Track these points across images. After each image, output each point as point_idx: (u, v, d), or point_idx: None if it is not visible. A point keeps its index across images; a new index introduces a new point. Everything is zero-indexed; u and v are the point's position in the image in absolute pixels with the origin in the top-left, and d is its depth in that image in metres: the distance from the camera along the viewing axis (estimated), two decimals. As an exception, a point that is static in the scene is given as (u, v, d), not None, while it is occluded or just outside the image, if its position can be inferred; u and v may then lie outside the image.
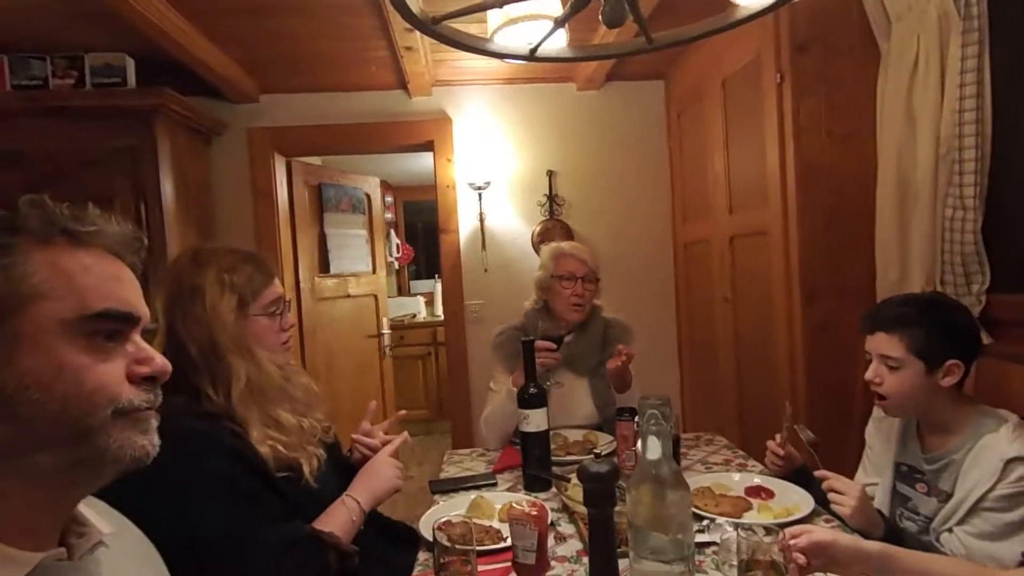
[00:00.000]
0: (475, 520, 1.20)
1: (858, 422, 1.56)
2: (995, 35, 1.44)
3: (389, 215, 5.16)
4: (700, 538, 1.12)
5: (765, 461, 1.44)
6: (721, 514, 1.22)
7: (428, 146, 2.98)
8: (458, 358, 3.01)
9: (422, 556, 1.17)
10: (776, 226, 1.93)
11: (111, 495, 0.70)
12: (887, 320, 1.22)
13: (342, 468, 1.31)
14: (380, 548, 1.21)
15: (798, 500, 1.28)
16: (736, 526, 1.04)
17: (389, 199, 5.20)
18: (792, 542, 0.93)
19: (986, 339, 1.41)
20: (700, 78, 2.53)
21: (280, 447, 1.06)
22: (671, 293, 3.06)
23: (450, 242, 2.99)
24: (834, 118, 1.82)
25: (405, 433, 1.37)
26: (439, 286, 4.09)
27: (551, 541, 1.17)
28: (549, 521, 1.19)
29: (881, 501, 1.30)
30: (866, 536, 1.11)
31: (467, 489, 1.47)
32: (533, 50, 0.99)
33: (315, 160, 3.44)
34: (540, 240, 2.93)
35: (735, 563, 0.95)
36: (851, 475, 1.38)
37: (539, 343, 1.62)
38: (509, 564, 1.04)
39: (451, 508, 1.33)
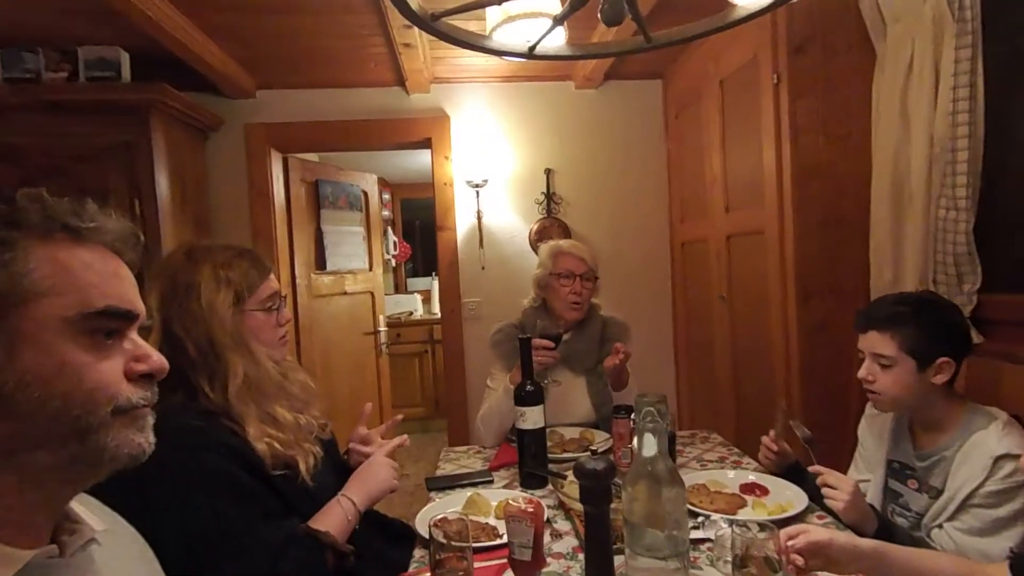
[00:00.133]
0: (471, 517, 1.20)
1: (852, 420, 1.58)
2: (988, 38, 1.45)
3: (386, 212, 5.15)
4: (695, 534, 1.13)
5: (759, 456, 1.45)
6: (716, 511, 1.23)
7: (426, 143, 2.97)
8: (455, 356, 3.02)
9: (418, 553, 1.17)
10: (772, 226, 1.94)
11: (108, 493, 0.70)
12: (880, 319, 1.23)
13: (339, 466, 1.31)
14: (376, 545, 1.22)
15: (792, 497, 1.29)
16: (731, 522, 1.04)
17: (386, 196, 5.20)
18: (790, 543, 0.94)
19: (977, 338, 1.42)
20: (698, 78, 2.53)
21: (277, 444, 1.06)
22: (668, 292, 3.07)
23: (447, 240, 2.99)
24: (830, 119, 1.83)
25: (404, 436, 1.37)
26: (436, 284, 4.09)
27: (547, 538, 1.17)
28: (545, 518, 1.19)
29: (873, 497, 1.32)
30: (859, 531, 1.12)
31: (463, 486, 1.47)
32: (532, 48, 1.00)
33: (312, 157, 3.44)
34: (537, 238, 2.93)
35: (729, 559, 0.96)
36: (845, 472, 1.39)
37: (537, 341, 1.62)
38: (505, 561, 1.04)
39: (447, 505, 1.33)
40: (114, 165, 2.22)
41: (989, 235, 1.53)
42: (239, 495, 1.00)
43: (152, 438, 0.62)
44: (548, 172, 2.99)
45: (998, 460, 1.10)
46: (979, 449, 1.13)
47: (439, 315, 3.22)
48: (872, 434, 1.40)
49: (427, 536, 1.02)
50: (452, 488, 1.48)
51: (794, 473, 1.38)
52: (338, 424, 1.36)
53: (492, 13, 0.99)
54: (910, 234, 1.62)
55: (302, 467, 1.09)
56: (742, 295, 2.27)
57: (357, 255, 3.39)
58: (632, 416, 1.41)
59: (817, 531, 0.96)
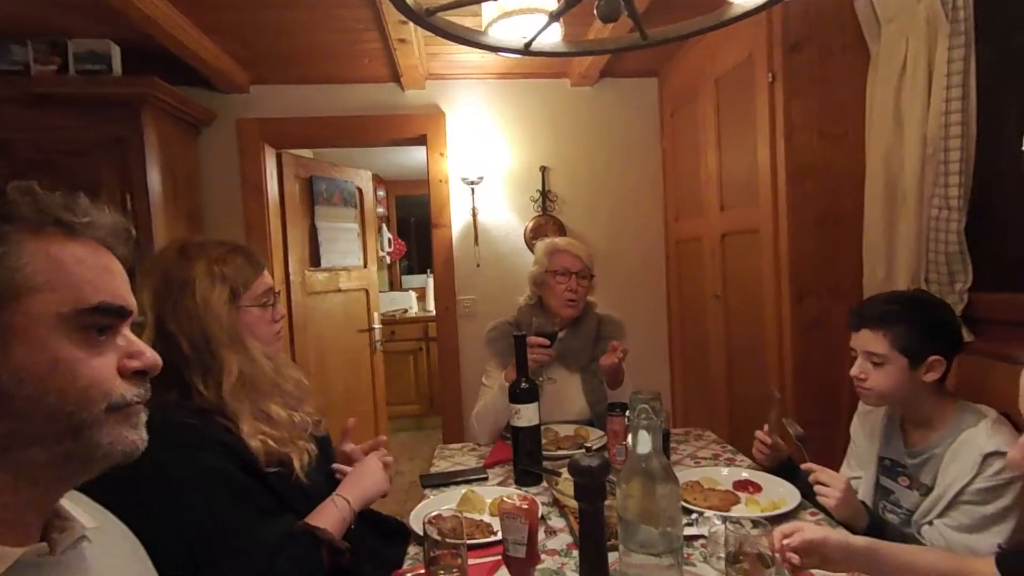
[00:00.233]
0: (466, 514, 1.20)
1: (845, 418, 1.59)
2: (981, 38, 1.46)
3: (381, 209, 5.14)
4: (689, 531, 1.13)
5: (752, 451, 1.45)
6: (709, 508, 1.23)
7: (421, 140, 2.96)
8: (449, 353, 3.01)
9: (412, 550, 1.18)
10: (767, 225, 1.95)
11: (100, 491, 0.70)
12: (872, 317, 1.24)
13: (332, 463, 1.31)
14: (371, 543, 1.21)
15: (784, 494, 1.30)
16: (724, 519, 1.05)
17: (381, 193, 5.18)
18: (785, 542, 0.94)
19: (968, 336, 1.43)
20: (693, 76, 2.53)
21: (271, 442, 1.06)
22: (663, 290, 3.07)
23: (442, 237, 2.98)
24: (825, 118, 1.84)
25: (383, 438, 1.38)
26: (431, 281, 4.08)
27: (542, 535, 1.17)
28: (540, 515, 1.19)
29: (864, 494, 1.33)
30: (850, 527, 1.13)
31: (458, 483, 1.47)
32: (528, 44, 0.99)
33: (306, 153, 3.42)
34: (533, 236, 2.93)
35: (723, 555, 0.96)
36: (837, 469, 1.40)
37: (532, 339, 1.62)
38: (500, 557, 1.05)
39: (442, 502, 1.33)
40: (105, 159, 2.20)
41: (980, 235, 1.54)
42: (235, 493, 0.99)
43: (145, 435, 0.62)
44: (544, 169, 2.99)
45: (987, 457, 1.11)
46: (969, 446, 1.14)
47: (434, 312, 3.21)
48: (864, 432, 1.42)
49: (421, 533, 1.02)
50: (447, 485, 1.48)
51: (787, 470, 1.39)
52: (332, 422, 1.35)
53: (488, 9, 0.99)
54: (903, 233, 1.63)
55: (296, 464, 1.08)
56: (736, 293, 2.27)
57: (352, 252, 3.38)
58: (627, 413, 1.41)
59: (812, 530, 0.97)
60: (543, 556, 1.10)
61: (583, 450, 1.57)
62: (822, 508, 1.22)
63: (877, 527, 1.14)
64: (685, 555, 1.05)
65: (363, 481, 1.21)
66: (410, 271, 5.63)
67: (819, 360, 1.84)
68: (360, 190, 3.48)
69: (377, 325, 3.48)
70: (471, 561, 1.04)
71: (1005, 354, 1.36)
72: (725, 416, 2.39)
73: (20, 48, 2.17)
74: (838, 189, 1.84)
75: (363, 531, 1.19)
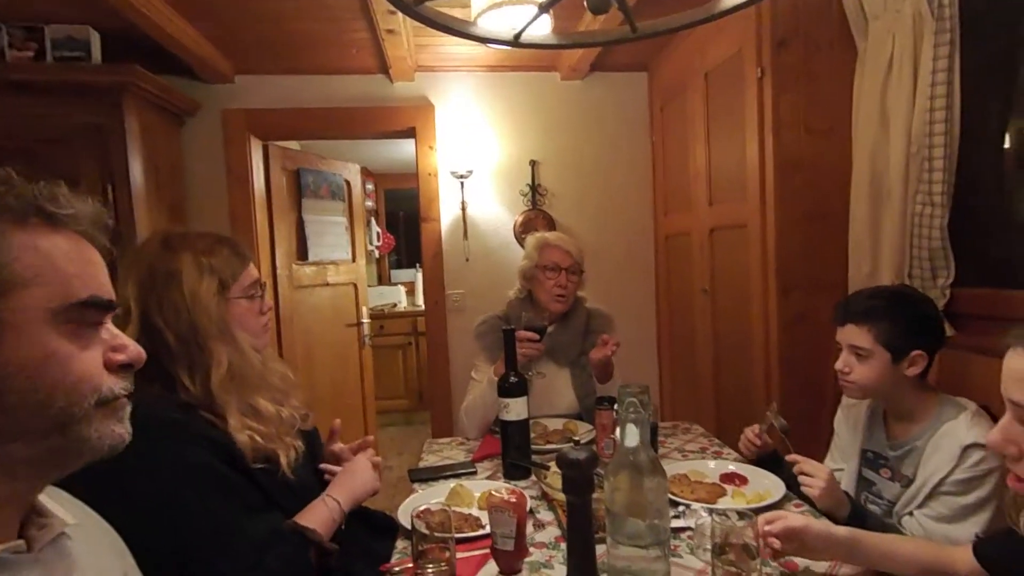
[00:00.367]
0: (454, 508, 1.20)
1: (829, 411, 1.61)
2: (966, 37, 1.48)
3: (370, 203, 5.10)
4: (676, 523, 1.14)
5: (739, 445, 1.47)
6: (696, 500, 1.24)
7: (410, 133, 2.94)
8: (439, 348, 3.00)
9: (400, 544, 1.17)
10: (754, 220, 1.96)
11: (83, 487, 0.69)
12: (856, 312, 1.26)
13: (319, 458, 1.30)
14: (359, 537, 1.21)
15: (770, 486, 1.31)
16: (711, 511, 1.06)
17: (370, 186, 5.14)
18: (767, 528, 0.96)
19: (949, 331, 1.45)
20: (683, 71, 2.54)
21: (258, 437, 1.05)
22: (652, 284, 3.09)
23: (431, 231, 2.96)
24: (812, 114, 1.85)
25: (370, 438, 1.38)
26: (420, 275, 4.07)
27: (530, 528, 1.18)
28: (528, 508, 1.19)
29: (847, 486, 1.34)
30: (833, 517, 1.14)
31: (447, 478, 1.47)
32: (517, 35, 0.99)
33: (293, 145, 3.38)
34: (522, 230, 2.93)
35: (709, 547, 0.97)
36: (821, 461, 1.42)
37: (521, 333, 1.62)
38: (488, 551, 1.05)
39: (430, 497, 1.33)
40: (85, 149, 2.15)
41: (962, 231, 1.56)
42: (221, 488, 0.98)
43: (130, 428, 0.62)
44: (533, 163, 2.98)
45: (966, 449, 1.13)
46: (949, 439, 1.16)
47: (423, 307, 3.20)
48: (847, 425, 1.43)
49: (410, 527, 1.01)
50: (435, 480, 1.47)
51: (771, 462, 1.41)
52: (320, 417, 1.34)
53: (477, -1, 0.98)
54: (887, 229, 1.65)
55: (283, 461, 1.07)
56: (724, 288, 2.29)
57: (340, 246, 3.35)
58: (615, 407, 1.42)
59: (794, 517, 0.99)
60: (531, 549, 1.10)
61: (571, 444, 1.59)
62: (806, 500, 1.24)
63: (859, 517, 1.16)
64: (672, 547, 1.06)
65: (353, 481, 1.20)
66: (399, 265, 5.60)
67: (804, 354, 1.86)
68: (348, 183, 3.45)
69: (366, 319, 3.46)
70: (459, 554, 1.04)
71: (985, 348, 1.39)
72: (712, 409, 2.41)
73: (-6, 33, 2.11)
74: (824, 185, 1.85)
75: (352, 526, 1.18)
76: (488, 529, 1.06)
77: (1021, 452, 0.73)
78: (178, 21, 2.15)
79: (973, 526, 1.11)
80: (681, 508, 1.21)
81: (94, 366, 0.58)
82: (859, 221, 1.74)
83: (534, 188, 2.98)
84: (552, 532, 1.19)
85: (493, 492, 1.05)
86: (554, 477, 1.24)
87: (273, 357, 1.25)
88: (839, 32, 1.80)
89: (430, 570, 0.97)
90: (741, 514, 0.95)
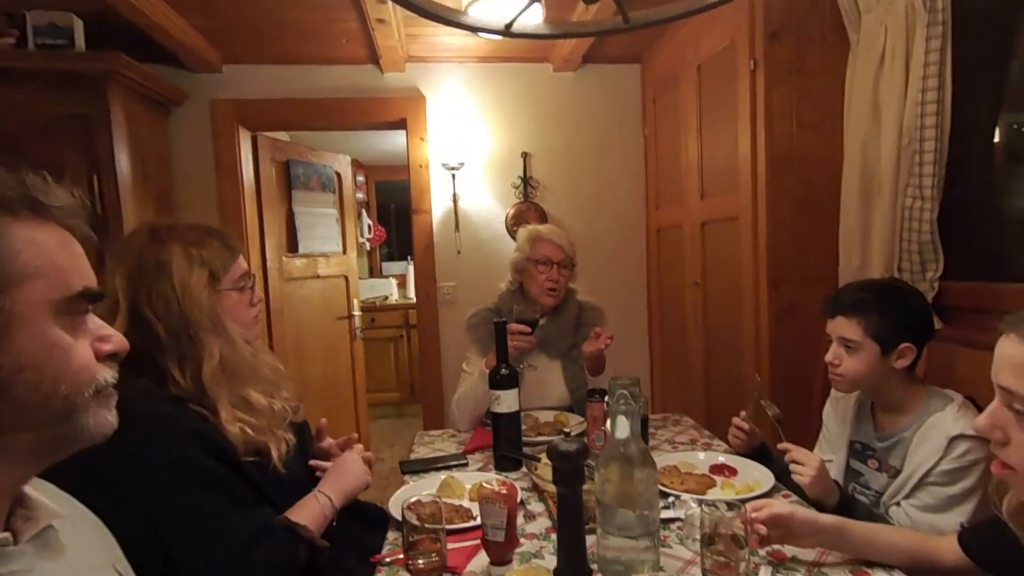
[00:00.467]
0: (445, 499, 1.20)
1: (818, 403, 1.62)
2: (957, 30, 1.48)
3: (360, 195, 5.06)
4: (666, 514, 1.15)
5: (728, 436, 1.48)
6: (686, 491, 1.25)
7: (401, 124, 2.92)
8: (430, 340, 3.00)
9: (391, 536, 1.17)
10: (746, 213, 1.96)
11: (69, 479, 0.69)
12: (846, 305, 1.27)
13: (309, 451, 1.29)
14: (350, 529, 1.21)
15: (759, 477, 1.32)
16: (700, 502, 1.06)
17: (361, 178, 5.10)
18: (754, 515, 0.97)
19: (937, 323, 1.47)
20: (676, 63, 2.53)
21: (249, 430, 1.04)
22: (643, 277, 3.09)
23: (423, 223, 2.95)
24: (804, 107, 1.85)
25: (354, 435, 1.36)
26: (411, 268, 4.05)
27: (521, 519, 1.18)
28: (519, 500, 1.20)
29: (835, 477, 1.35)
30: (822, 505, 1.16)
31: (438, 469, 1.47)
32: (508, 25, 0.97)
33: (283, 136, 3.34)
34: (514, 223, 2.92)
35: (698, 537, 0.98)
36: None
37: (513, 326, 1.62)
38: (479, 542, 1.05)
39: (422, 488, 1.33)
40: (69, 138, 2.12)
41: (952, 224, 1.57)
42: (208, 482, 0.97)
43: (116, 416, 0.63)
44: (525, 155, 2.97)
45: (953, 440, 1.14)
46: (936, 430, 1.18)
47: (414, 299, 3.18)
48: (836, 416, 1.45)
49: (400, 519, 1.01)
50: (426, 471, 1.47)
51: (760, 454, 1.42)
52: (311, 409, 1.33)
53: (468, -13, 0.97)
54: (878, 222, 1.66)
55: (274, 454, 1.06)
56: (715, 281, 2.30)
57: (330, 238, 3.33)
58: (606, 399, 1.42)
59: (781, 505, 1.00)
60: (522, 540, 1.11)
61: (562, 436, 1.59)
62: (795, 490, 1.25)
63: (848, 506, 1.17)
64: (662, 537, 1.07)
65: (344, 477, 1.20)
66: (390, 258, 5.58)
67: (794, 347, 1.87)
68: (339, 175, 3.42)
69: (357, 312, 3.45)
70: (450, 546, 1.04)
71: (973, 341, 1.40)
72: (702, 401, 2.42)
73: (-28, 19, 2.06)
74: (815, 178, 1.86)
75: (343, 518, 1.18)
76: (479, 520, 1.06)
77: (1007, 437, 0.74)
78: (163, 8, 2.11)
79: (959, 516, 1.12)
80: (671, 499, 1.22)
81: (89, 356, 0.59)
82: (850, 214, 1.75)
83: (526, 180, 2.97)
84: (543, 523, 1.19)
85: (484, 484, 1.05)
86: (545, 469, 1.25)
87: (263, 349, 1.24)
88: (832, 25, 1.80)
89: (420, 561, 0.97)
90: (730, 505, 0.95)
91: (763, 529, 0.97)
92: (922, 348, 1.26)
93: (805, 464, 1.17)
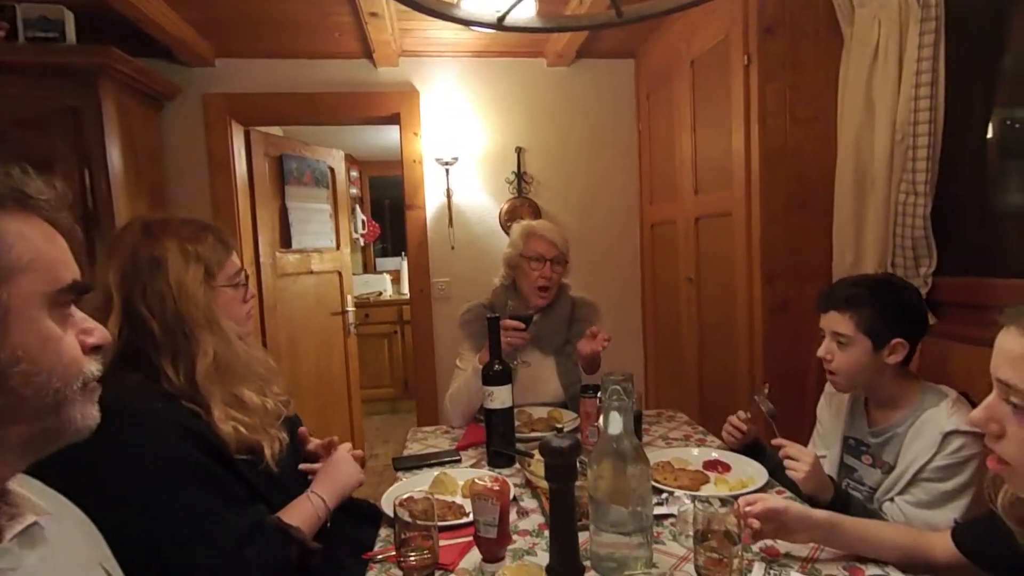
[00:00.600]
0: (438, 496, 1.20)
1: (811, 399, 1.62)
2: (951, 26, 1.48)
3: (354, 190, 5.04)
4: (659, 510, 1.15)
5: (722, 434, 1.48)
6: (680, 487, 1.25)
7: (394, 119, 2.90)
8: (424, 336, 2.99)
9: (384, 532, 1.17)
10: (740, 208, 1.96)
11: (56, 476, 0.68)
12: (839, 300, 1.27)
13: (301, 448, 1.28)
14: (343, 526, 1.20)
15: (753, 473, 1.32)
16: (693, 498, 1.06)
17: (354, 173, 5.08)
18: (747, 509, 0.97)
19: (930, 319, 1.47)
20: (670, 58, 2.52)
21: (242, 428, 1.03)
22: (637, 273, 3.09)
23: (416, 218, 2.94)
24: (798, 102, 1.85)
25: (335, 437, 1.33)
26: (406, 263, 4.04)
27: (514, 516, 1.18)
28: (512, 496, 1.19)
29: (829, 472, 1.35)
30: (816, 500, 1.16)
31: (431, 466, 1.47)
32: (501, 18, 0.97)
33: (276, 130, 3.32)
34: (508, 218, 2.91)
35: (691, 533, 0.98)
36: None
37: (507, 322, 1.62)
38: (471, 539, 1.05)
39: (414, 485, 1.32)
40: (60, 132, 2.09)
41: (945, 220, 1.58)
42: (200, 480, 0.96)
43: (99, 410, 0.63)
44: (519, 151, 2.96)
45: (947, 436, 1.14)
46: (929, 426, 1.18)
47: (408, 295, 3.18)
48: (830, 412, 1.45)
49: (393, 515, 1.01)
50: (420, 468, 1.47)
51: (753, 450, 1.42)
52: (306, 406, 1.32)
53: (460, -20, 0.96)
54: (871, 217, 1.66)
55: (267, 452, 1.06)
56: (709, 277, 2.30)
57: (324, 233, 3.31)
58: (599, 395, 1.42)
59: (774, 499, 1.00)
60: (515, 536, 1.10)
61: (555, 432, 1.59)
62: (789, 486, 1.25)
63: (842, 500, 1.17)
64: (655, 534, 1.07)
65: (339, 476, 1.19)
66: (384, 254, 5.56)
67: (787, 342, 1.88)
68: (332, 170, 3.40)
69: (351, 308, 3.43)
70: (443, 542, 1.04)
71: (966, 336, 1.41)
72: (696, 397, 2.43)
73: (-37, 12, 2.03)
74: (809, 174, 1.86)
75: (336, 515, 1.18)
76: (472, 517, 1.05)
77: (1002, 431, 0.74)
78: (155, 2, 2.09)
79: (952, 512, 1.13)
80: (664, 495, 1.22)
81: (77, 348, 0.60)
82: (843, 210, 1.75)
83: (520, 176, 2.96)
84: (536, 519, 1.19)
85: (476, 480, 1.05)
86: (538, 465, 1.24)
87: (255, 344, 1.23)
88: (825, 19, 1.80)
89: (413, 558, 0.97)
90: (724, 501, 0.95)
91: (756, 523, 0.97)
92: (915, 344, 1.26)
93: (799, 460, 1.17)
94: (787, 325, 1.88)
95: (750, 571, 0.96)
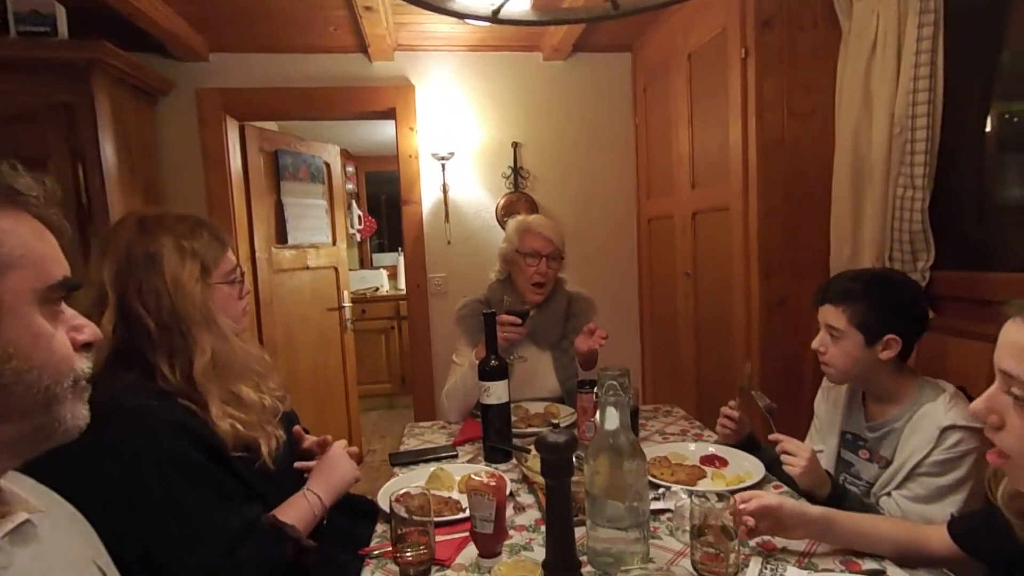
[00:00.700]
0: (434, 491, 1.19)
1: (808, 393, 1.62)
2: (950, 18, 1.47)
3: (351, 185, 5.02)
4: (656, 505, 1.14)
5: (716, 427, 1.48)
6: (676, 482, 1.25)
7: (390, 114, 2.88)
8: (420, 331, 2.99)
9: (380, 528, 1.16)
10: (737, 202, 1.96)
11: (49, 473, 0.68)
12: (835, 293, 1.27)
13: (296, 445, 1.28)
14: (338, 520, 1.20)
15: (750, 468, 1.32)
16: (690, 493, 1.06)
17: (350, 169, 5.06)
18: (742, 506, 0.96)
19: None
20: (666, 51, 2.51)
21: (239, 426, 1.02)
22: (634, 267, 3.09)
23: (412, 213, 2.93)
24: (796, 96, 1.84)
25: (328, 436, 1.33)
26: (402, 259, 4.03)
27: (510, 511, 1.17)
28: (508, 492, 1.19)
29: (826, 467, 1.36)
30: (813, 496, 1.16)
31: (427, 461, 1.47)
32: (496, 11, 0.96)
33: (271, 125, 3.30)
34: (504, 213, 2.90)
35: (688, 528, 0.98)
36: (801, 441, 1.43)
37: (503, 317, 1.61)
38: (467, 534, 1.04)
39: (411, 480, 1.32)
40: (53, 127, 2.07)
41: (943, 214, 1.57)
42: (193, 476, 0.96)
43: (89, 410, 0.63)
44: (515, 145, 2.94)
45: (945, 431, 1.14)
46: (927, 420, 1.18)
47: (405, 291, 3.17)
48: (827, 406, 1.45)
49: (389, 511, 1.00)
50: (416, 463, 1.46)
51: (748, 445, 1.42)
52: (302, 402, 1.32)
53: (455, -29, 0.95)
54: (869, 211, 1.66)
55: (264, 450, 1.05)
56: (706, 271, 2.29)
57: (320, 229, 3.30)
58: (595, 390, 1.42)
59: (769, 496, 1.00)
60: (511, 532, 1.10)
61: (551, 427, 1.59)
62: (786, 481, 1.25)
63: (839, 495, 1.17)
64: (652, 529, 1.07)
65: (335, 473, 1.18)
66: (381, 249, 5.54)
67: (785, 337, 1.88)
68: (328, 165, 3.39)
69: (347, 303, 3.43)
70: (439, 538, 1.04)
71: (964, 330, 1.40)
72: (693, 392, 2.43)
73: (-47, 5, 2.01)
74: (806, 168, 1.85)
75: (332, 510, 1.17)
76: (468, 513, 1.05)
77: (1002, 422, 0.74)
78: (146, -7, 2.07)
79: (949, 506, 1.13)
80: (661, 490, 1.22)
81: (68, 346, 0.60)
82: (841, 204, 1.74)
83: (516, 171, 2.95)
84: (533, 515, 1.19)
85: (472, 476, 1.05)
86: (534, 460, 1.24)
87: (250, 340, 1.22)
88: (823, 12, 1.79)
89: (409, 554, 0.97)
90: (720, 496, 0.95)
91: (751, 521, 0.96)
92: (910, 341, 1.25)
93: (796, 455, 1.17)
94: (784, 320, 1.88)
95: (747, 566, 0.96)
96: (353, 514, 1.27)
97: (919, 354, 1.43)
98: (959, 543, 0.96)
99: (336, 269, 3.40)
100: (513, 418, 1.56)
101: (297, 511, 1.08)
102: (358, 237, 5.25)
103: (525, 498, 1.26)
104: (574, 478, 0.92)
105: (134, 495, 0.91)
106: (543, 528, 1.11)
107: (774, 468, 1.29)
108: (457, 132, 2.86)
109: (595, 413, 1.41)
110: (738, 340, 2.01)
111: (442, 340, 2.90)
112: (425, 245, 2.94)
